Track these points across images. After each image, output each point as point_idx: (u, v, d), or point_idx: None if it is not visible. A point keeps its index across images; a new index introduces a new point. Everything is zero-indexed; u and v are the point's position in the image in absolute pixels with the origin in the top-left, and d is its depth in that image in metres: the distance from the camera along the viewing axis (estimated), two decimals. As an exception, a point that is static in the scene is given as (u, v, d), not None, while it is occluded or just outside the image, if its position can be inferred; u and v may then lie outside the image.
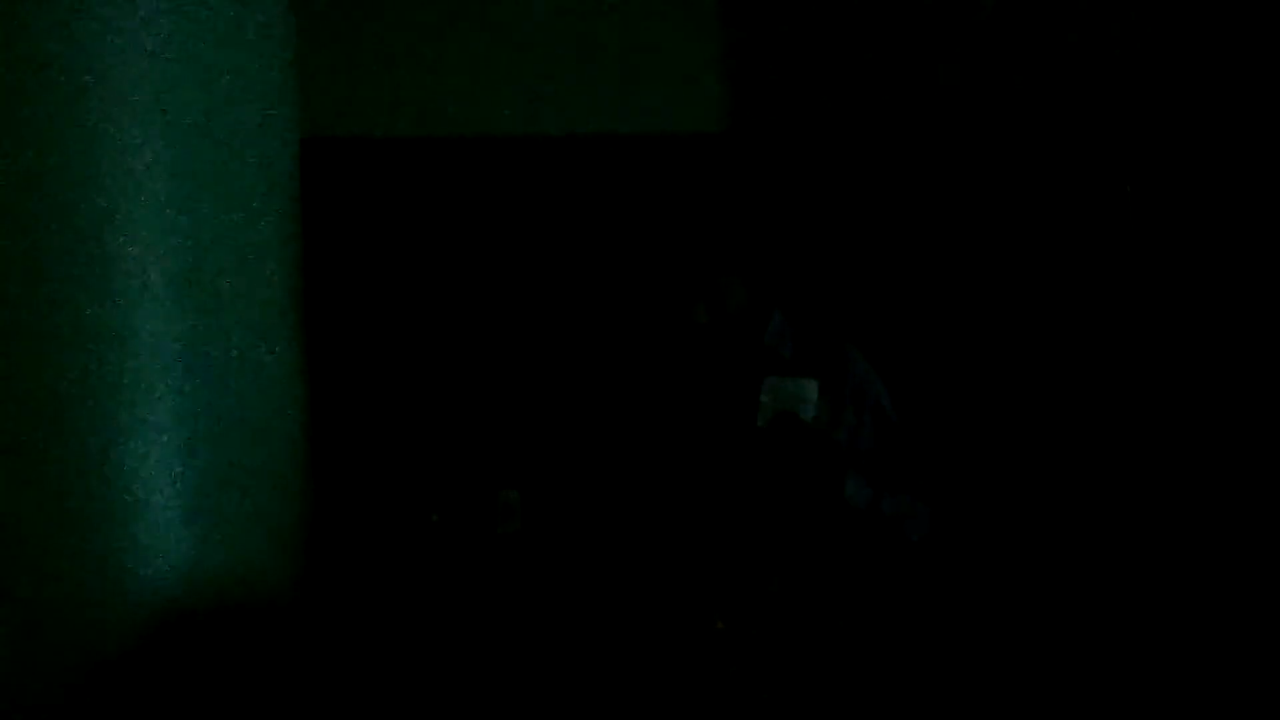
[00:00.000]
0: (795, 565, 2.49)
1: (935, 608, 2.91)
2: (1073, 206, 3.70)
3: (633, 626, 2.55)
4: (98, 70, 2.43)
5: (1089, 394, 3.65)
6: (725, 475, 2.50)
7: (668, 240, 2.56)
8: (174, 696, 2.46)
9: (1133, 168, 3.66)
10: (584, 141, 3.80)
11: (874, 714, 2.54)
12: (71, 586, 2.41)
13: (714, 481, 2.50)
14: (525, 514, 3.54)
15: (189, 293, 2.53)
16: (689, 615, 2.49)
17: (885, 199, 3.76)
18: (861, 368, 2.62)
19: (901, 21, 3.77)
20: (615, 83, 3.83)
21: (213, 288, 2.57)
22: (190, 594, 2.49)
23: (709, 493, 2.51)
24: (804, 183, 3.76)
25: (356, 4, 3.76)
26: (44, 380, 2.41)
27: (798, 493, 2.46)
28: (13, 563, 2.39)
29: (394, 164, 3.75)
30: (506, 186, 3.80)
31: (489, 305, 3.78)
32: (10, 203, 2.40)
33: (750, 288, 2.54)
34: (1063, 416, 3.65)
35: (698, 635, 2.47)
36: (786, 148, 3.78)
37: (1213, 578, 3.46)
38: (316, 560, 2.81)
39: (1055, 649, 3.42)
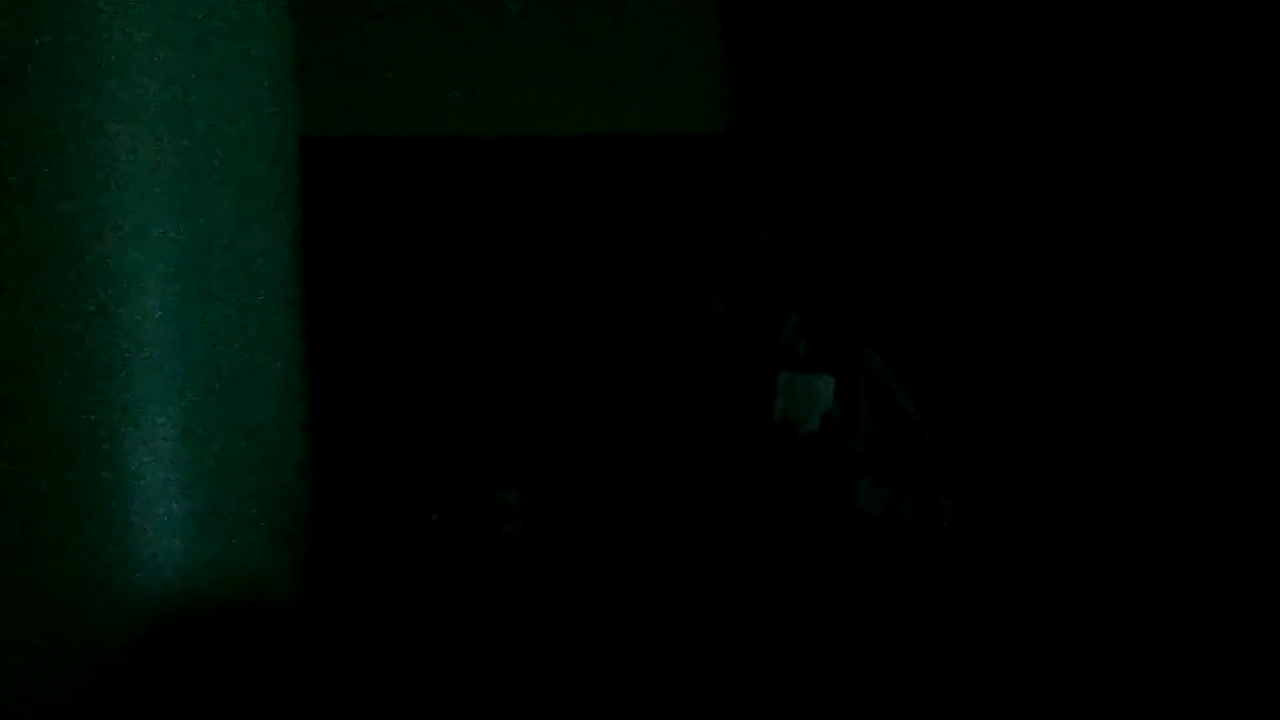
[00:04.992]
0: (788, 576, 2.47)
1: (951, 611, 2.90)
2: (1073, 205, 3.70)
3: (634, 628, 2.55)
4: (97, 70, 2.43)
5: (1094, 392, 3.64)
6: (733, 474, 2.49)
7: (668, 240, 2.56)
8: (175, 698, 2.46)
9: (1133, 167, 3.66)
10: (584, 142, 3.80)
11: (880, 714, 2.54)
12: (72, 588, 2.40)
13: (721, 481, 2.50)
14: (526, 514, 3.54)
15: (189, 292, 2.53)
16: (689, 616, 2.49)
17: (886, 198, 3.76)
18: (878, 367, 2.60)
19: (901, 21, 3.77)
20: (615, 83, 3.83)
21: (213, 288, 2.57)
22: (190, 595, 2.49)
23: (715, 492, 2.50)
24: (806, 182, 3.76)
25: (356, 4, 3.76)
26: (43, 381, 2.41)
27: (805, 503, 2.44)
28: (13, 564, 2.39)
29: (394, 164, 3.75)
30: (506, 186, 3.80)
31: (488, 305, 3.77)
32: (9, 203, 2.39)
33: (766, 284, 2.53)
34: (1066, 413, 3.65)
35: (697, 635, 2.47)
36: (787, 147, 3.78)
37: (1215, 577, 3.46)
38: (317, 560, 2.80)
39: (1064, 648, 3.41)
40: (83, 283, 2.42)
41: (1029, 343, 3.70)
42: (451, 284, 3.77)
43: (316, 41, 3.59)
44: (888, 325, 3.66)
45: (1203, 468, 3.52)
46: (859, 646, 2.50)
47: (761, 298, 2.51)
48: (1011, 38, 3.71)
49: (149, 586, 2.45)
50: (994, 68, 3.72)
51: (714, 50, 3.86)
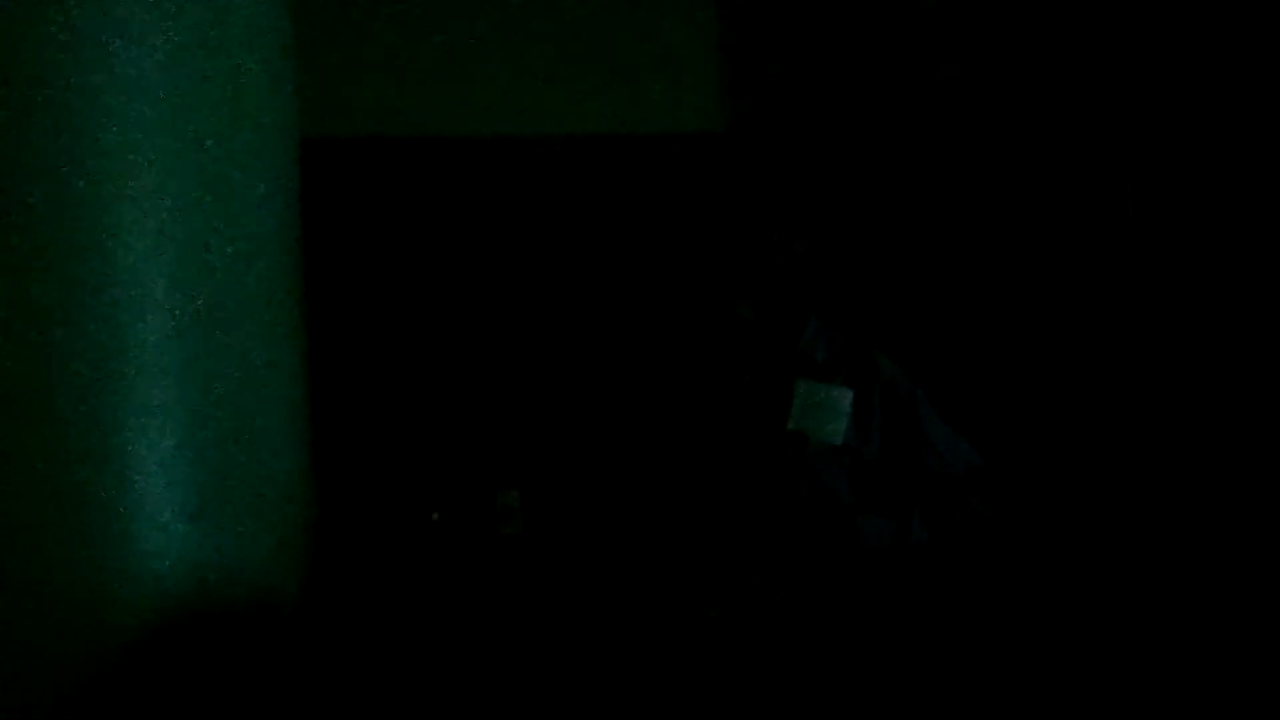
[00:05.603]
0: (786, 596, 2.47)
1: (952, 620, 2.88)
2: (1071, 204, 3.70)
3: (633, 627, 2.55)
4: (97, 71, 2.43)
5: (1097, 393, 3.64)
6: (738, 480, 2.49)
7: (667, 240, 2.56)
8: (175, 698, 2.46)
9: (1132, 167, 3.66)
10: (584, 141, 3.80)
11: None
12: (73, 587, 2.40)
13: (724, 486, 2.49)
14: (526, 515, 3.54)
15: (189, 293, 2.53)
16: (689, 616, 2.49)
17: (885, 198, 3.76)
18: (889, 370, 2.60)
19: (900, 20, 3.77)
20: (615, 83, 3.83)
21: (213, 288, 2.57)
22: (192, 595, 2.49)
23: (718, 497, 2.50)
24: (806, 182, 3.76)
25: (355, 4, 3.76)
26: (44, 381, 2.41)
27: (806, 530, 2.44)
28: (13, 563, 2.39)
29: (394, 164, 3.75)
30: (506, 186, 3.80)
31: (489, 305, 3.77)
32: (10, 204, 2.39)
33: (793, 289, 2.53)
34: (1070, 414, 3.64)
35: (697, 636, 2.47)
36: (787, 147, 3.78)
37: (1214, 578, 3.46)
38: (318, 560, 2.80)
39: (1061, 651, 3.41)
40: (83, 284, 2.43)
41: (1025, 339, 3.70)
42: (451, 284, 3.77)
43: (316, 41, 3.59)
44: (890, 326, 3.66)
45: (1218, 479, 3.51)
46: (857, 651, 2.50)
47: (788, 303, 2.50)
48: (1012, 36, 3.71)
49: (150, 586, 2.45)
50: (994, 66, 3.72)
51: (714, 50, 3.86)
